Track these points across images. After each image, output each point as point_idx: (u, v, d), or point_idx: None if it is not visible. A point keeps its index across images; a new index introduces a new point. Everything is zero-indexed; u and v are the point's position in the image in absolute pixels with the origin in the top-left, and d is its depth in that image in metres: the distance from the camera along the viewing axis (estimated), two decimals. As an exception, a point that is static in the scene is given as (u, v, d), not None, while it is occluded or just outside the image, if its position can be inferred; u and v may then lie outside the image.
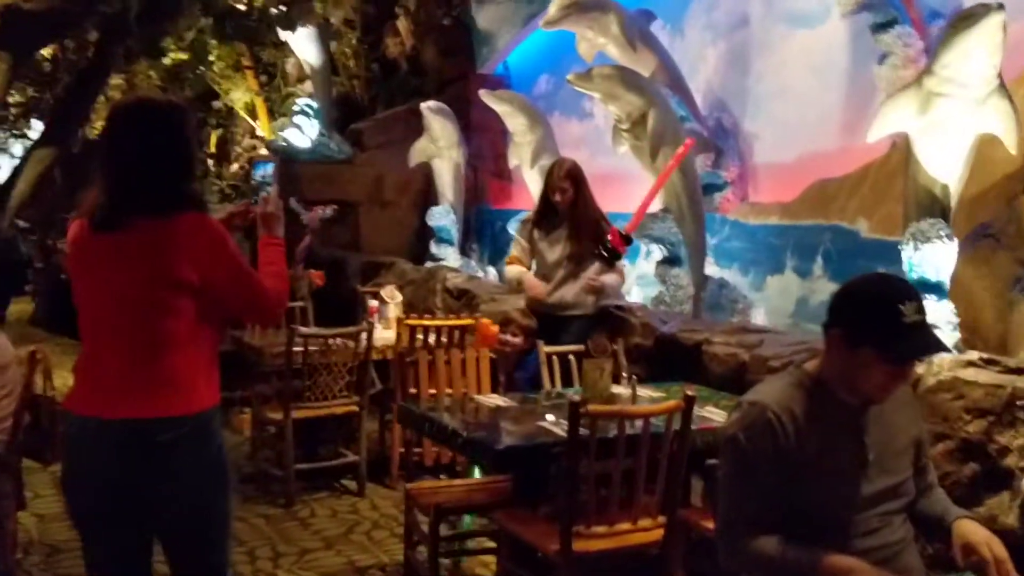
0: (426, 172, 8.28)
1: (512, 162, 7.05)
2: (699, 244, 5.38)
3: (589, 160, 7.23)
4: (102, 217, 2.30)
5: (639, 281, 6.27)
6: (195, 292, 2.30)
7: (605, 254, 4.48)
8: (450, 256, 7.80)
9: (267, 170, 2.50)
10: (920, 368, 3.33)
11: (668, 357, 4.33)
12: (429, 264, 7.67)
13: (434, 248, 7.89)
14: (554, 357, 4.09)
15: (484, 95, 6.77)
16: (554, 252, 4.63)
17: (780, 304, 5.56)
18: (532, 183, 6.80)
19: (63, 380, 4.53)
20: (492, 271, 7.78)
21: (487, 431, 3.08)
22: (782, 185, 5.73)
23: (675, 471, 2.96)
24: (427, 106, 7.50)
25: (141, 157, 2.31)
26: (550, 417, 3.21)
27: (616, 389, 3.48)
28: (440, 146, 7.56)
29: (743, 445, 2.04)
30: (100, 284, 2.32)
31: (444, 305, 6.31)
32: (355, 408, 4.88)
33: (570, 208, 4.60)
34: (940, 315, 3.92)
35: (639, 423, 2.88)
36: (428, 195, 8.53)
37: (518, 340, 4.32)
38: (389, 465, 5.03)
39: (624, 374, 3.72)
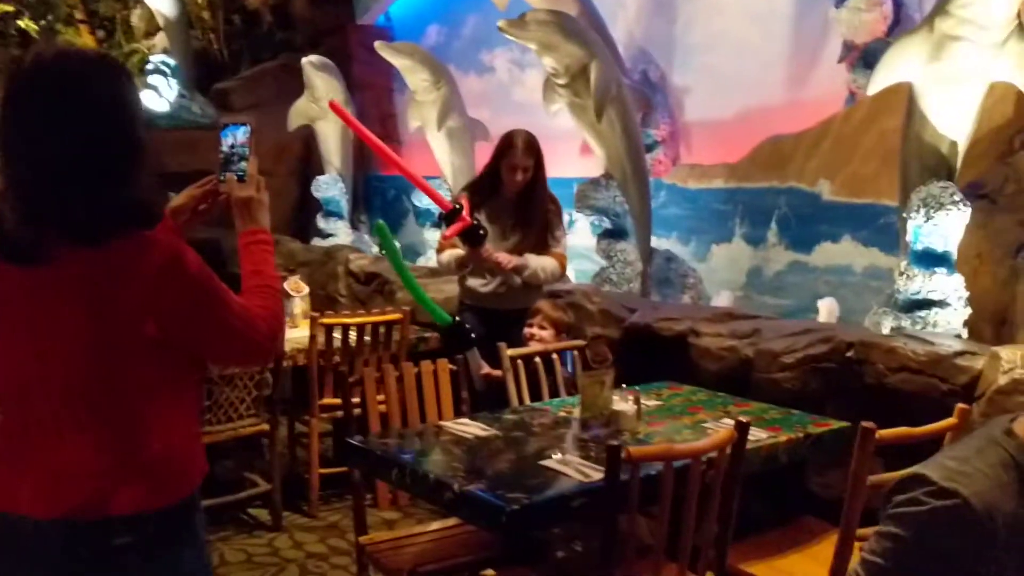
0: (306, 136, 7.39)
1: (412, 123, 6.26)
2: (645, 214, 4.80)
3: (492, 120, 6.54)
4: (11, 243, 1.56)
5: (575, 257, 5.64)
6: (158, 344, 1.60)
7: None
8: (341, 231, 6.98)
9: (238, 135, 1.79)
10: (978, 362, 2.85)
11: (641, 351, 3.73)
12: (319, 241, 6.83)
13: (321, 222, 7.04)
14: (519, 361, 3.42)
15: (380, 47, 5.93)
16: (502, 242, 3.84)
17: (728, 276, 5.06)
18: (439, 147, 6.05)
19: None
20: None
21: (483, 480, 2.39)
22: (724, 144, 5.20)
23: (726, 516, 2.37)
24: (309, 61, 6.58)
25: (57, 147, 1.53)
26: (556, 455, 2.54)
27: (617, 404, 2.84)
28: (324, 106, 6.66)
29: (927, 552, 1.41)
30: (18, 337, 1.59)
31: (349, 292, 5.53)
32: (265, 427, 4.07)
33: (525, 190, 3.81)
34: (948, 289, 3.48)
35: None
36: (309, 162, 7.64)
37: (546, 333, 3.58)
38: (306, 488, 4.26)
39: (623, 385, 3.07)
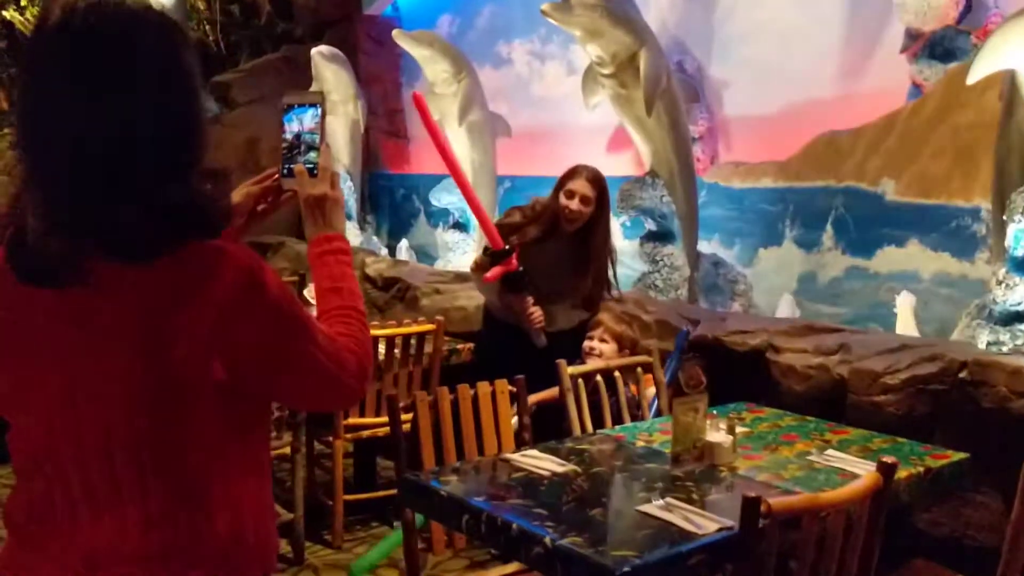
0: (311, 132, 6.98)
1: (429, 118, 5.87)
2: (692, 215, 4.44)
3: (510, 116, 6.19)
4: (34, 258, 1.18)
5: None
6: (225, 390, 1.23)
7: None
8: (349, 232, 6.55)
9: (305, 119, 1.41)
10: None
11: (709, 368, 3.36)
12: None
13: (329, 223, 6.63)
14: (579, 380, 3.05)
15: (398, 36, 5.55)
16: (551, 282, 3.50)
17: (777, 281, 4.71)
18: (458, 143, 5.66)
19: None
20: (403, 247, 6.61)
21: (577, 531, 2.02)
22: (770, 141, 4.84)
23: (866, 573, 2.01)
24: (319, 51, 6.19)
25: (94, 129, 1.15)
26: (656, 500, 2.18)
27: (711, 434, 2.48)
28: (333, 100, 6.28)
29: None
30: (45, 380, 1.21)
31: (366, 298, 5.13)
32: (286, 450, 3.69)
33: (584, 230, 3.48)
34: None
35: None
36: (314, 159, 7.24)
37: (608, 348, 3.24)
38: (328, 516, 3.88)
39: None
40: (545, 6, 4.04)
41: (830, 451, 2.57)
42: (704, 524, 2.04)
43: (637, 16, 4.27)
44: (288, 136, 1.54)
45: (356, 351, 1.36)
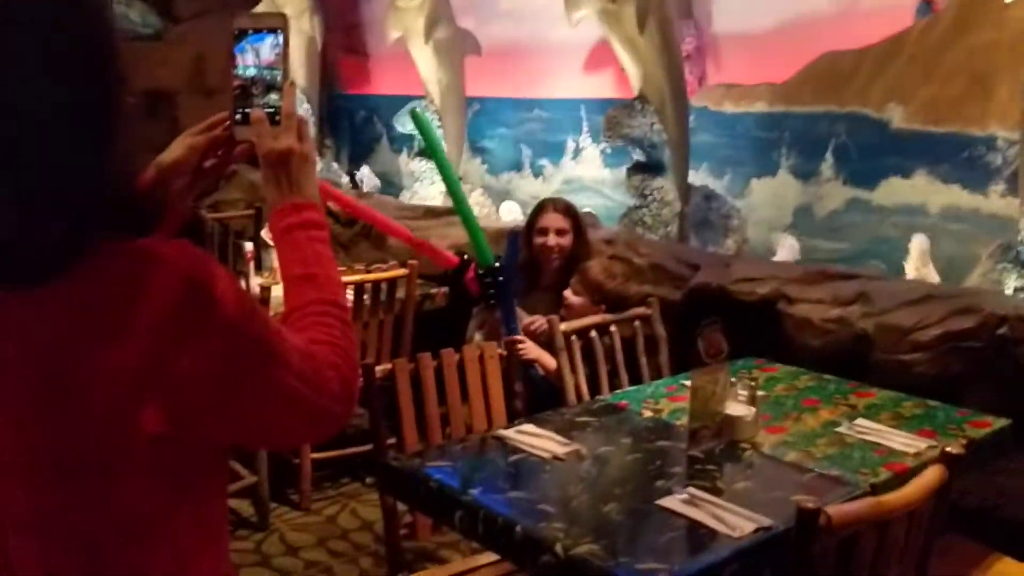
0: (263, 50, 6.46)
1: (391, 34, 5.41)
2: (683, 144, 4.09)
3: (478, 29, 5.73)
4: None
5: (580, 191, 4.92)
6: (165, 443, 0.89)
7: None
8: (306, 158, 6.14)
9: (262, 49, 1.08)
10: None
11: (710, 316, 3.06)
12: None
13: (284, 149, 6.18)
14: (573, 337, 2.75)
15: (357, -57, 5.05)
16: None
17: (770, 214, 4.40)
18: (424, 62, 5.23)
19: None
20: (365, 174, 6.19)
21: (593, 535, 1.73)
22: (764, 62, 4.47)
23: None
24: (269, -39, 5.66)
25: None
26: (677, 493, 1.89)
27: (732, 407, 2.20)
28: (288, 13, 5.76)
29: None
30: None
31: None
32: (246, 409, 3.36)
33: (566, 267, 3.16)
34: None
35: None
36: (266, 79, 6.74)
37: (576, 301, 2.93)
38: (294, 476, 3.58)
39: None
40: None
41: (860, 420, 2.31)
42: (737, 524, 1.77)
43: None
44: (241, 72, 1.18)
45: (338, 365, 1.03)
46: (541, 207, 3.27)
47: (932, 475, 1.68)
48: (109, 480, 0.86)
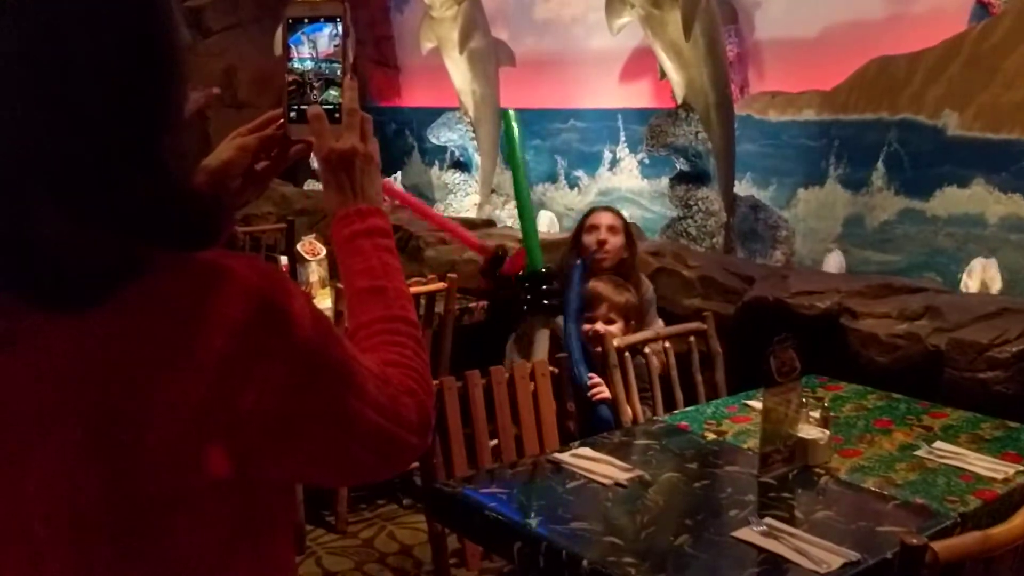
0: (294, 62, 6.41)
1: (426, 44, 5.33)
2: (730, 153, 3.97)
3: (513, 39, 5.64)
4: None
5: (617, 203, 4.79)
6: (230, 488, 0.76)
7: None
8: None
9: (319, 40, 1.08)
10: None
11: (768, 336, 2.91)
12: (314, 184, 5.92)
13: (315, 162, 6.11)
14: (626, 354, 2.62)
15: (390, -47, 4.97)
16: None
17: (818, 225, 4.26)
18: (458, 73, 5.14)
19: None
20: (395, 185, 6.10)
21: (665, 570, 1.60)
22: (810, 69, 4.35)
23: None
24: (300, -28, 5.58)
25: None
26: (754, 523, 1.76)
27: (804, 429, 2.06)
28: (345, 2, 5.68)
29: None
30: None
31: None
32: (282, 428, 3.26)
33: (617, 264, 3.02)
34: None
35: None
36: (297, 92, 6.69)
37: (616, 328, 2.77)
38: (330, 498, 3.47)
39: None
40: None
41: (939, 443, 2.16)
42: (822, 558, 1.63)
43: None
44: (296, 65, 1.07)
45: (414, 391, 0.91)
46: (590, 211, 3.17)
47: (1041, 506, 1.54)
48: (166, 530, 0.74)
